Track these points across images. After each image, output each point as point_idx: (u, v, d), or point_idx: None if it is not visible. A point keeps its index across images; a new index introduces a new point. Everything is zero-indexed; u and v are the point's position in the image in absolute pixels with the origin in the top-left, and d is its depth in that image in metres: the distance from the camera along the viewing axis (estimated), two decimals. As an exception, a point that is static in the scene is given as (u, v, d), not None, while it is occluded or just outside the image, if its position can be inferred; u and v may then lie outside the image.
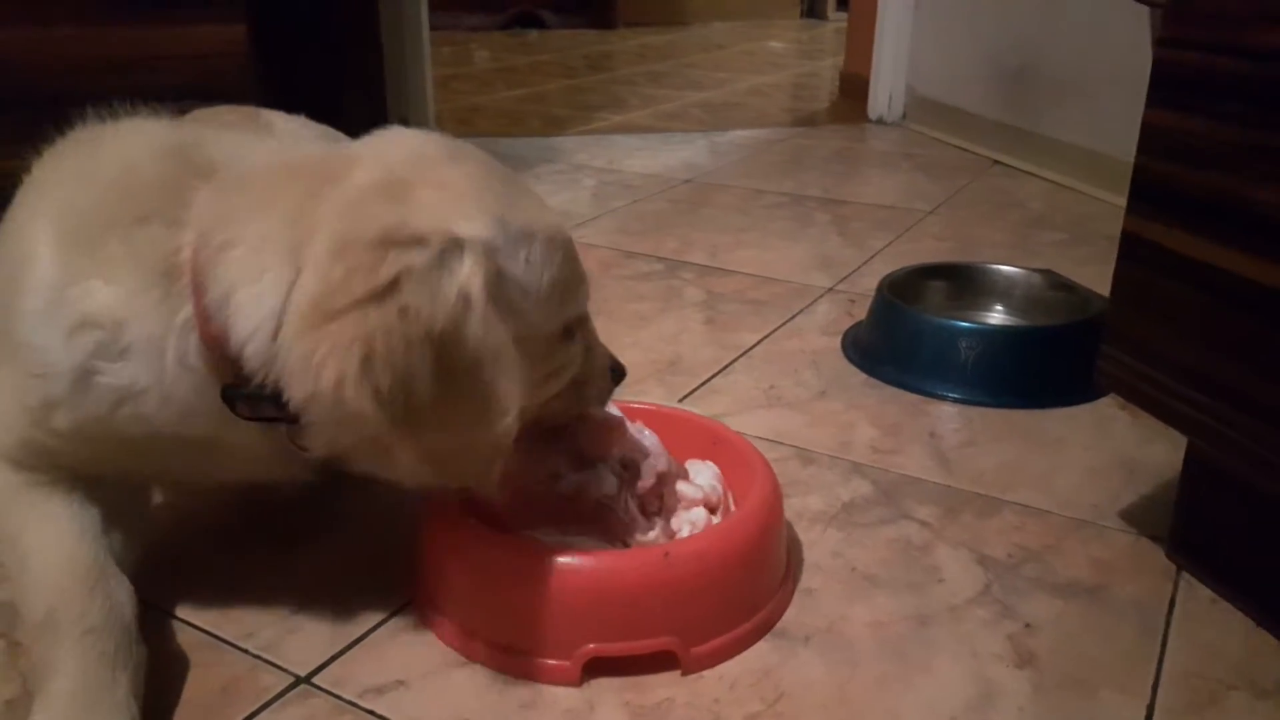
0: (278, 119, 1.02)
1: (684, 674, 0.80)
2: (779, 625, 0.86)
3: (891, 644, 0.84)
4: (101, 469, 0.80)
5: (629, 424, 0.93)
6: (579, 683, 0.78)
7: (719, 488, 0.94)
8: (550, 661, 0.79)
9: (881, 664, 0.82)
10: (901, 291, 1.41)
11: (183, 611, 0.86)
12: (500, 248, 0.69)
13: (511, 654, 0.80)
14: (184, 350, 0.70)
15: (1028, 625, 0.86)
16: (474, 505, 0.85)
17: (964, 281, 1.51)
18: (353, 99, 2.03)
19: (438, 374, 0.64)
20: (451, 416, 0.67)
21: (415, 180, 0.69)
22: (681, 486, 0.92)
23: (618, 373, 0.90)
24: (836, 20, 6.07)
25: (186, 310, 0.69)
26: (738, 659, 0.82)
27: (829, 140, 2.89)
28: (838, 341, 1.45)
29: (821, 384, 1.32)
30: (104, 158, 0.76)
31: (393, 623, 0.86)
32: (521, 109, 3.35)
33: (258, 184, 0.72)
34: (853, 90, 3.31)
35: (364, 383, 0.63)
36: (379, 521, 0.98)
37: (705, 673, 0.80)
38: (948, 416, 1.25)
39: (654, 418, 1.00)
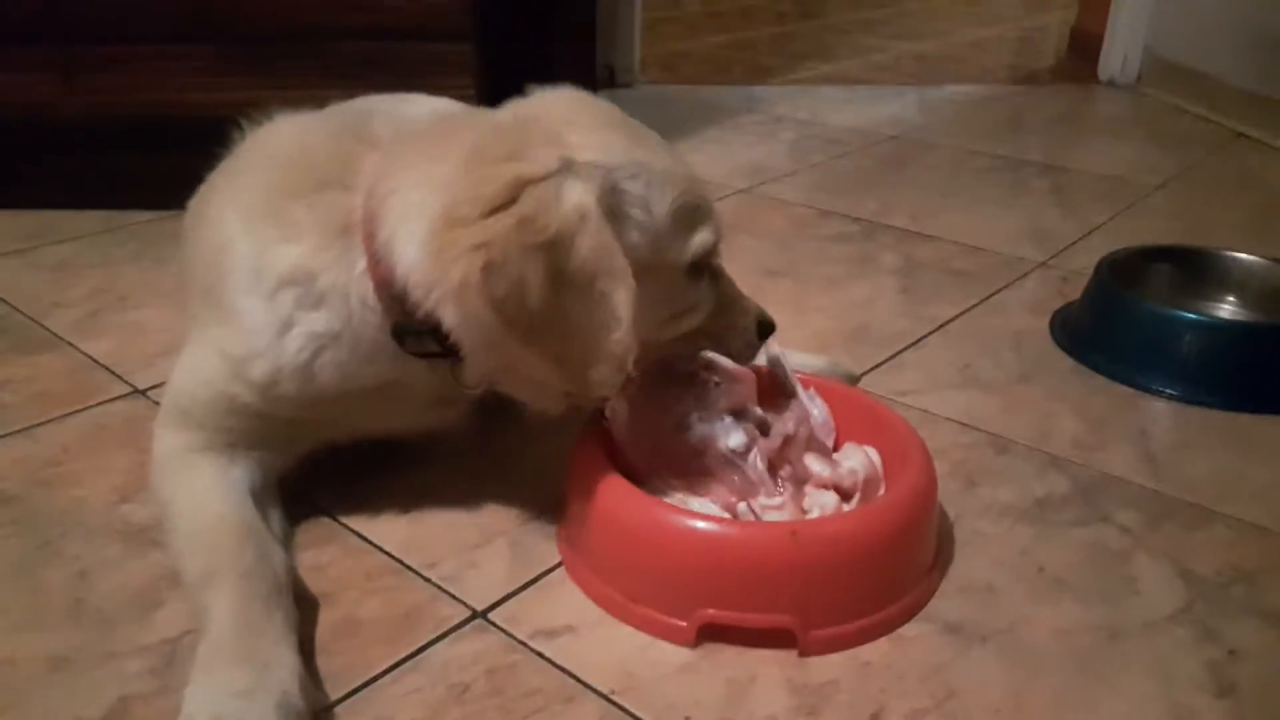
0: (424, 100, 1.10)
1: (800, 655, 0.78)
2: (955, 620, 0.83)
3: (1076, 655, 0.79)
4: (275, 430, 0.87)
5: (802, 391, 0.92)
6: (694, 644, 0.79)
7: (860, 474, 0.90)
8: (668, 619, 0.80)
9: (1063, 675, 0.77)
10: (1122, 274, 1.31)
11: (373, 535, 0.91)
12: (619, 168, 0.76)
13: (633, 605, 0.81)
14: (364, 293, 0.79)
15: (1232, 652, 0.80)
16: (615, 451, 0.88)
17: (1193, 268, 1.38)
18: (562, 43, 2.05)
19: (551, 282, 0.70)
20: (565, 324, 0.72)
21: (544, 116, 0.78)
22: (813, 463, 0.90)
23: (765, 326, 0.93)
24: (1071, -31, 5.64)
25: (363, 260, 0.79)
26: (910, 650, 0.80)
27: (1052, 101, 2.71)
28: (1045, 322, 1.37)
29: (1023, 367, 1.25)
30: (282, 142, 0.88)
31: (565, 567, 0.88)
32: (727, 56, 3.30)
33: (414, 141, 0.81)
34: (1083, 48, 3.08)
35: (484, 288, 0.69)
36: (560, 468, 1.00)
37: (873, 660, 0.78)
38: (1162, 414, 1.16)
39: (812, 387, 0.98)
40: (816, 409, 0.93)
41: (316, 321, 0.80)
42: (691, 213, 0.81)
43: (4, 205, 1.67)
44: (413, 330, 0.78)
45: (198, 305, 0.88)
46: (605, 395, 0.76)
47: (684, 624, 0.79)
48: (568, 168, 0.72)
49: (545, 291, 0.70)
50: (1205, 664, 0.78)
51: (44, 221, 1.64)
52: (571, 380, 0.76)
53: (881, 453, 0.93)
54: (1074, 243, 1.65)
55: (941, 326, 1.36)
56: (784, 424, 0.90)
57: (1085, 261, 1.44)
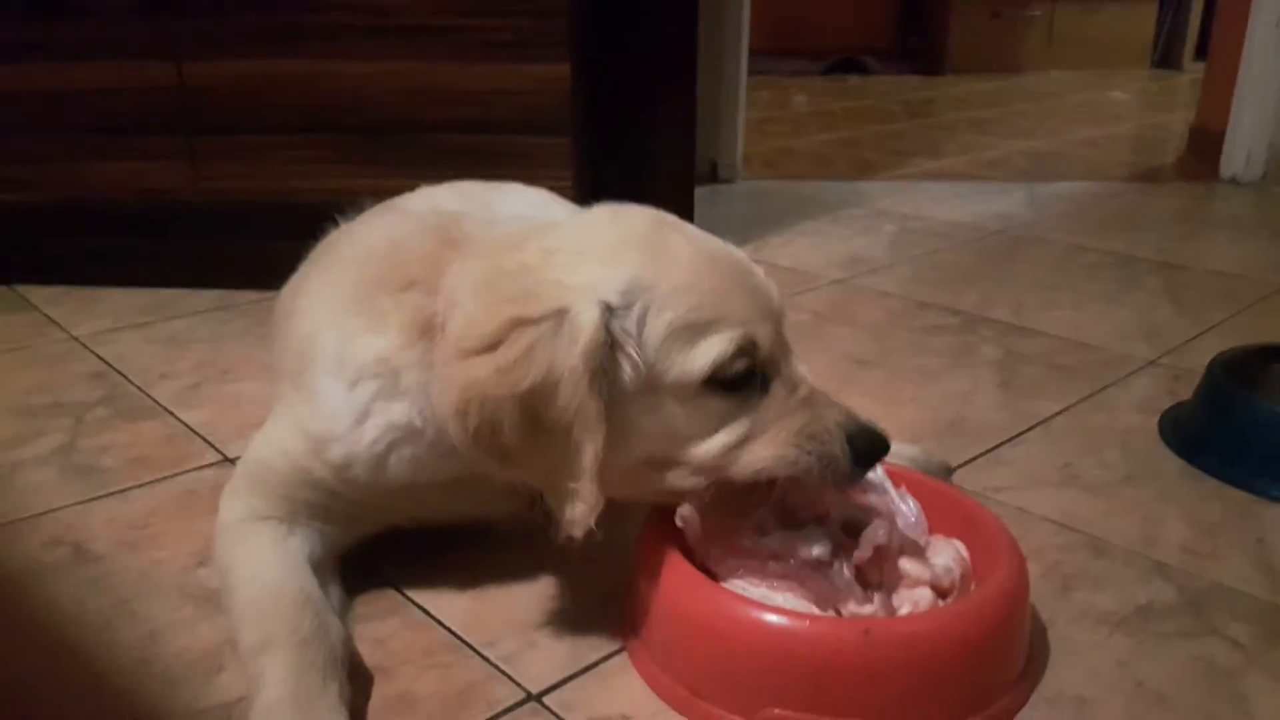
0: (515, 189, 1.14)
1: None
2: (1041, 733, 0.76)
3: (1178, 780, 0.72)
4: (341, 508, 0.88)
5: (889, 487, 0.87)
6: None
7: (955, 570, 0.85)
8: (731, 717, 0.76)
9: (1163, 801, 0.70)
10: (1238, 372, 1.23)
11: (436, 609, 0.90)
12: (618, 308, 0.74)
13: (696, 700, 0.78)
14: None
15: (1363, 789, 0.71)
16: (689, 548, 0.84)
17: (1318, 368, 1.30)
18: (662, 137, 2.09)
19: (526, 425, 0.73)
20: (536, 461, 0.75)
21: (565, 249, 0.78)
22: (906, 564, 0.85)
23: (873, 444, 0.80)
24: (1193, 71, 5.52)
25: None
26: (988, 762, 0.73)
27: (1170, 199, 2.62)
28: (1154, 422, 1.29)
29: (1129, 467, 1.18)
30: (375, 237, 0.91)
31: (625, 655, 0.85)
32: (831, 153, 3.31)
33: (480, 255, 0.81)
34: (1204, 146, 2.98)
35: (459, 420, 0.74)
36: (628, 552, 0.98)
37: (947, 771, 0.73)
38: (1282, 522, 1.07)
39: (902, 483, 0.93)
40: (908, 507, 0.88)
41: (395, 413, 0.82)
42: (697, 329, 0.75)
43: (127, 283, 1.78)
44: None
45: (286, 386, 0.91)
46: (575, 534, 0.75)
47: (747, 722, 0.75)
48: (560, 317, 0.72)
49: (519, 432, 0.73)
50: (1329, 800, 0.70)
51: (163, 298, 1.73)
52: (556, 505, 0.76)
53: (970, 550, 0.88)
54: (1188, 341, 1.57)
55: (1043, 422, 1.29)
56: (874, 532, 0.85)
57: (1199, 360, 1.36)
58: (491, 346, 0.73)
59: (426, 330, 0.81)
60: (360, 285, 0.86)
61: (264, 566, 0.84)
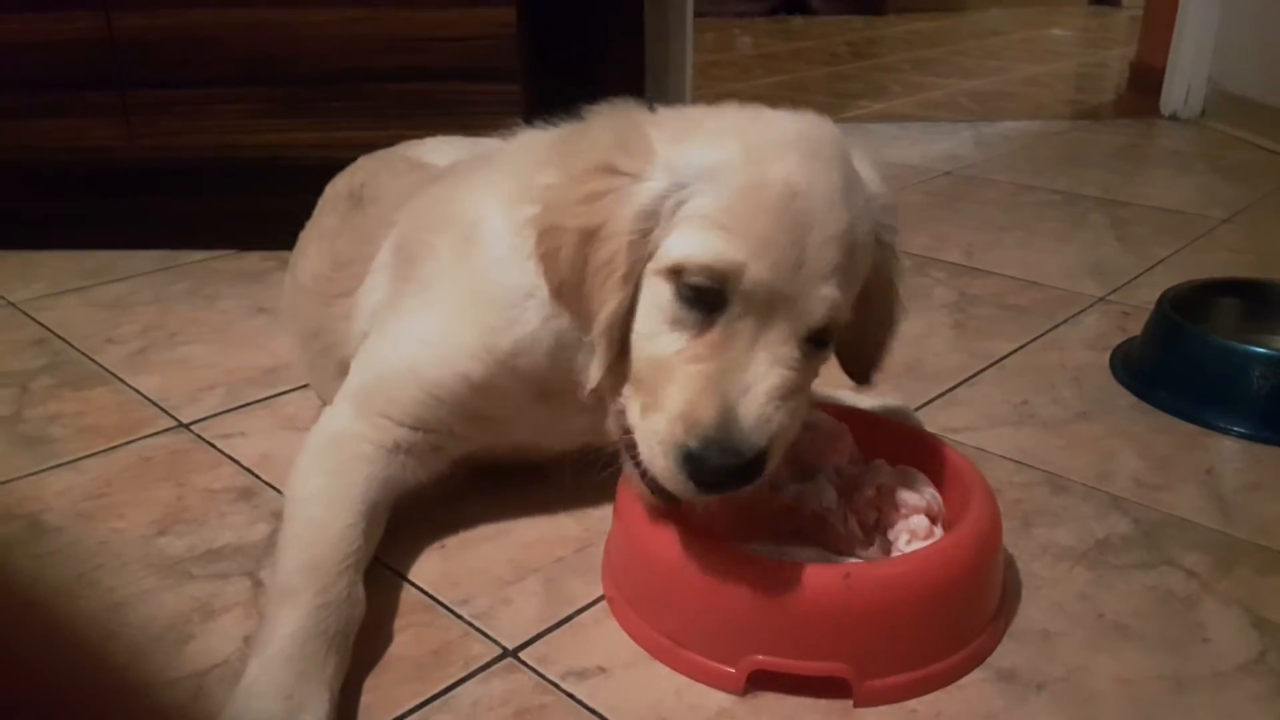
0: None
1: (856, 706, 0.74)
2: (1008, 667, 0.78)
3: (1139, 705, 0.74)
4: (461, 427, 0.90)
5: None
6: (742, 691, 0.75)
7: (939, 496, 0.87)
8: (716, 665, 0.77)
9: (1126, 727, 0.72)
10: (1186, 307, 1.26)
11: (407, 570, 0.90)
12: (680, 187, 0.74)
13: (679, 649, 0.78)
14: None
15: (1312, 707, 0.74)
16: (690, 516, 0.81)
17: (1262, 301, 1.33)
18: (612, 83, 2.06)
19: (576, 261, 0.76)
20: (579, 304, 0.78)
21: (666, 124, 0.79)
22: (902, 494, 0.86)
23: (695, 468, 0.69)
24: (1131, 8, 5.57)
25: None
26: (959, 698, 0.75)
27: (1112, 136, 2.65)
28: (1105, 358, 1.32)
29: (1083, 404, 1.20)
30: (510, 149, 0.96)
31: (600, 607, 0.85)
32: (779, 96, 3.29)
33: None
34: (1144, 83, 3.02)
35: (536, 236, 0.79)
36: (602, 508, 0.98)
37: (919, 708, 0.74)
38: (1230, 453, 1.10)
39: (876, 427, 0.94)
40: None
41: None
42: (706, 223, 0.72)
43: (67, 245, 1.72)
44: None
45: (430, 292, 0.91)
46: (588, 386, 0.79)
47: (732, 670, 0.76)
48: (635, 179, 0.74)
49: (569, 267, 0.77)
50: (1281, 718, 0.73)
51: (103, 261, 1.67)
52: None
53: (943, 492, 0.89)
54: (1135, 277, 1.60)
55: (997, 362, 1.31)
56: (875, 473, 0.88)
57: (1147, 296, 1.39)
58: (578, 181, 0.77)
59: None
60: (514, 185, 0.87)
61: (333, 512, 0.83)
